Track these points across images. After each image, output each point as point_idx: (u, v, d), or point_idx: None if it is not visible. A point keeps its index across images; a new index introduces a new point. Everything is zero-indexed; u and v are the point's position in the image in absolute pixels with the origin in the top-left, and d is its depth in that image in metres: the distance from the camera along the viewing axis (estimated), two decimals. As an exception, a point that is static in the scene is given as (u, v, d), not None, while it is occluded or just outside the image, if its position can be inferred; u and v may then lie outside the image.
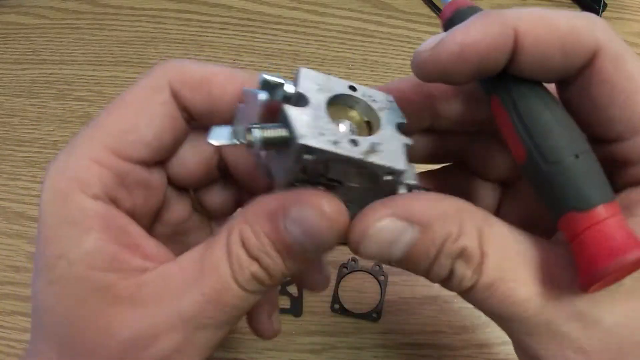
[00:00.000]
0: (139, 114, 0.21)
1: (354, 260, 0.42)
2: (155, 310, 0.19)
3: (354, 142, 0.19)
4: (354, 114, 0.21)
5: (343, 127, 0.20)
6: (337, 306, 0.40)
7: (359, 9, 0.59)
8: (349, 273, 0.42)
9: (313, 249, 0.19)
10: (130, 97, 0.22)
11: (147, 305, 0.19)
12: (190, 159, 0.24)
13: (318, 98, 0.20)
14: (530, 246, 0.20)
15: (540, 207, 0.20)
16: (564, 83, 0.21)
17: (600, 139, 0.20)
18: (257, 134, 0.18)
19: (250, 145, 0.18)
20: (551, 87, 0.21)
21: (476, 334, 0.39)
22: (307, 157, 0.18)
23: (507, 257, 0.19)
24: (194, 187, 0.26)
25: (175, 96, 0.22)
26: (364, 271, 0.42)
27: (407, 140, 0.21)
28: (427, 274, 0.20)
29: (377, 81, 0.53)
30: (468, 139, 0.26)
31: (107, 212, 0.20)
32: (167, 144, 0.22)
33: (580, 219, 0.18)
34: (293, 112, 0.19)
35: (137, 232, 0.21)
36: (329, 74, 0.21)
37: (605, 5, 0.59)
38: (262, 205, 0.20)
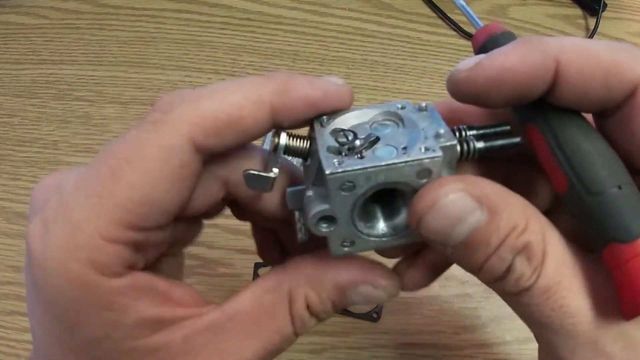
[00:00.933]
0: (154, 181, 0.18)
1: None
2: None
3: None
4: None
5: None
6: (337, 306, 0.40)
7: (358, 9, 0.59)
8: None
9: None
10: (141, 158, 0.18)
11: (201, 356, 0.20)
12: (201, 200, 0.22)
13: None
14: (581, 260, 0.19)
15: (582, 234, 0.20)
16: (602, 113, 0.20)
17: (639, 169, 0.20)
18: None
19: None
20: (588, 116, 0.21)
21: (476, 334, 0.39)
22: (346, 185, 0.19)
23: (564, 263, 0.19)
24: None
25: (197, 148, 0.19)
26: None
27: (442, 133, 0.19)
28: (480, 268, 0.19)
29: (377, 81, 0.53)
30: (506, 167, 0.24)
31: (133, 283, 0.19)
32: (183, 202, 0.20)
33: (623, 250, 0.18)
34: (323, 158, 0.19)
35: (162, 284, 0.20)
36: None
37: (605, 5, 0.59)
38: (330, 277, 0.21)
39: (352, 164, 0.18)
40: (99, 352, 0.19)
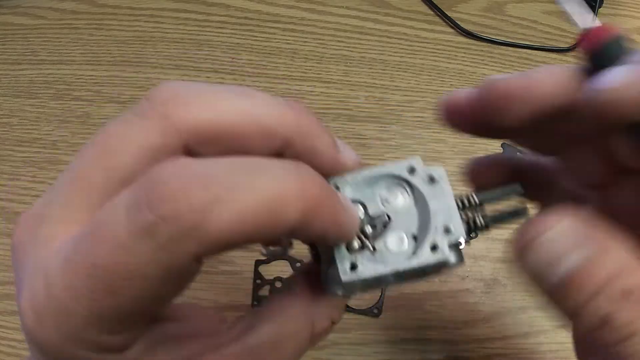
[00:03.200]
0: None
1: None
2: None
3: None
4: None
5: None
6: (338, 302, 0.40)
7: (356, 6, 0.59)
8: None
9: None
10: (137, 162, 0.17)
11: None
12: None
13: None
14: None
15: None
16: None
17: None
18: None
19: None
20: None
21: (477, 328, 0.39)
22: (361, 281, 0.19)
23: None
24: None
25: (189, 153, 0.17)
26: None
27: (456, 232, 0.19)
28: (578, 313, 0.17)
29: (375, 78, 0.53)
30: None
31: (146, 343, 0.18)
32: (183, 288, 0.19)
33: None
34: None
35: (172, 328, 0.19)
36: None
37: (601, 1, 0.59)
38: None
39: (366, 270, 0.19)
40: None
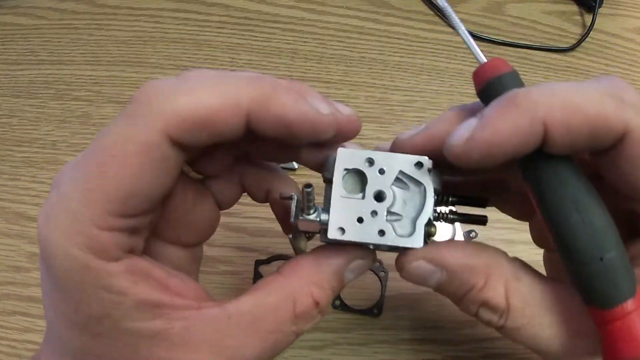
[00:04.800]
0: (138, 174, 0.20)
1: None
2: (210, 356, 0.21)
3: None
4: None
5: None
6: (337, 302, 0.40)
7: (356, 7, 0.59)
8: None
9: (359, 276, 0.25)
10: (124, 153, 0.20)
11: (200, 350, 0.21)
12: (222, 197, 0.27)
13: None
14: (554, 294, 0.23)
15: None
16: (594, 154, 0.22)
17: (629, 196, 0.22)
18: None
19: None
20: None
21: (476, 328, 0.39)
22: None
23: (532, 305, 0.23)
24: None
25: (174, 143, 0.20)
26: None
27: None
28: (459, 306, 0.25)
29: (375, 78, 0.53)
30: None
31: (130, 267, 0.21)
32: (169, 189, 0.22)
33: (603, 314, 0.20)
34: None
35: (160, 273, 0.22)
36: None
37: (601, 1, 0.59)
38: (326, 266, 0.24)
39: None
40: (100, 330, 0.21)
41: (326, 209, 0.23)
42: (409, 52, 0.56)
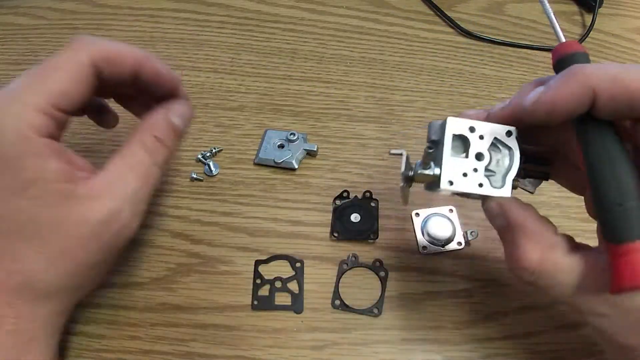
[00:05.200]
0: (71, 80, 0.30)
1: (354, 256, 0.42)
2: (111, 199, 0.31)
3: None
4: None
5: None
6: (337, 302, 0.40)
7: (356, 6, 0.59)
8: (349, 269, 0.42)
9: (186, 126, 0.36)
10: (61, 65, 0.30)
11: (103, 198, 0.31)
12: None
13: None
14: (582, 262, 0.28)
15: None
16: (633, 121, 0.27)
17: None
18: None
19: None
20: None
21: (477, 328, 0.39)
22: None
23: (558, 266, 0.28)
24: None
25: (94, 66, 0.31)
26: (364, 267, 0.42)
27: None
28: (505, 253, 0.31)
29: (375, 78, 0.53)
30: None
31: (54, 145, 0.30)
32: (86, 100, 0.32)
33: (616, 249, 0.25)
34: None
35: (70, 153, 0.31)
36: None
37: (601, 1, 0.59)
38: (157, 118, 0.34)
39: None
40: (33, 192, 0.29)
41: (438, 165, 0.30)
42: (409, 52, 0.56)
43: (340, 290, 0.41)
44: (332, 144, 0.48)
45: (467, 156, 0.30)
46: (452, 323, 0.40)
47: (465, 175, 0.29)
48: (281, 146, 0.47)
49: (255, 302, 0.40)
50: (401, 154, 0.31)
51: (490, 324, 0.39)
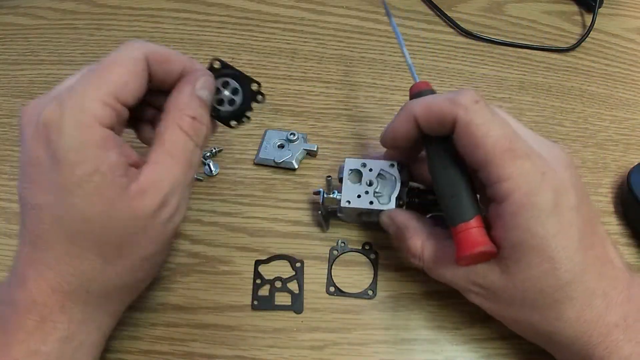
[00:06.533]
0: (129, 72, 0.31)
1: (343, 242, 0.43)
2: (158, 191, 0.30)
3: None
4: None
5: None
6: (332, 289, 0.41)
7: (356, 6, 0.59)
8: (340, 255, 0.42)
9: (210, 97, 0.34)
10: (118, 60, 0.31)
11: (151, 191, 0.30)
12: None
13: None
14: (448, 246, 0.34)
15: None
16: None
17: (472, 167, 0.33)
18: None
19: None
20: None
21: (476, 328, 0.39)
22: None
23: (438, 249, 0.36)
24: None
25: (147, 62, 0.32)
26: (354, 251, 0.42)
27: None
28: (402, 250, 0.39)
29: (375, 78, 0.53)
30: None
31: (114, 137, 0.30)
32: (142, 96, 0.32)
33: (455, 229, 0.32)
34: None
35: (127, 147, 0.31)
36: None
37: (601, 1, 0.59)
38: (186, 95, 0.32)
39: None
40: (89, 189, 0.28)
41: (339, 191, 0.40)
42: (409, 52, 0.55)
43: (333, 276, 0.41)
44: (332, 144, 0.48)
45: (360, 184, 0.39)
46: (452, 323, 0.40)
47: (359, 196, 0.39)
48: (281, 146, 0.47)
49: (255, 302, 0.40)
50: (319, 193, 0.40)
51: (490, 324, 0.39)
